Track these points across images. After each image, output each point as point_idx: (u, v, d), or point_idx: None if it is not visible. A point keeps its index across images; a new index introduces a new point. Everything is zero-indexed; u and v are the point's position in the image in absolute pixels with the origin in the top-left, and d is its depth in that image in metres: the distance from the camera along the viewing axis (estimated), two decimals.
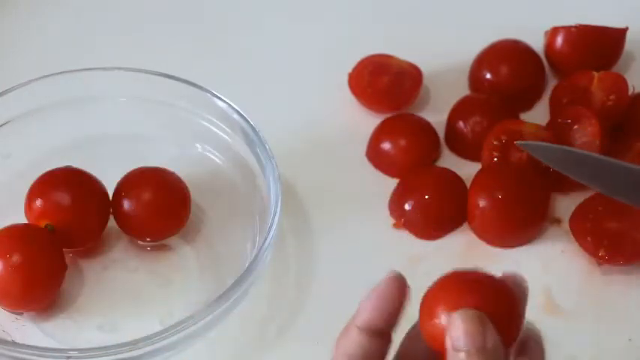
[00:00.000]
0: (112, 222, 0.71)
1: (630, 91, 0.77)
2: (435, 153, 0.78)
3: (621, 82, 0.77)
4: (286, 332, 0.68)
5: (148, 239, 0.72)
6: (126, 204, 0.70)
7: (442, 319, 0.48)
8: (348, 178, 0.77)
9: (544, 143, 0.67)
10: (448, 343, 0.48)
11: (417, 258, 0.71)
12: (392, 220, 0.74)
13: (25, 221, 0.69)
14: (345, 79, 0.81)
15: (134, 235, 0.72)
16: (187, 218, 0.72)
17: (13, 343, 0.64)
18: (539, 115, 0.80)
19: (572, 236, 0.71)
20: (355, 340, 0.50)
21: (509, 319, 0.49)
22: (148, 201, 0.70)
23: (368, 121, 0.79)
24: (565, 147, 0.67)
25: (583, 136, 0.73)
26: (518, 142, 0.68)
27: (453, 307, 0.48)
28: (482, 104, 0.79)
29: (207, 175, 0.74)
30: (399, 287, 0.51)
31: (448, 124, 0.79)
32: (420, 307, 0.50)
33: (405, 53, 0.82)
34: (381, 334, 0.50)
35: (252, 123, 0.71)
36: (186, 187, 0.72)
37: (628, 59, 0.83)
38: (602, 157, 0.64)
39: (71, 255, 0.71)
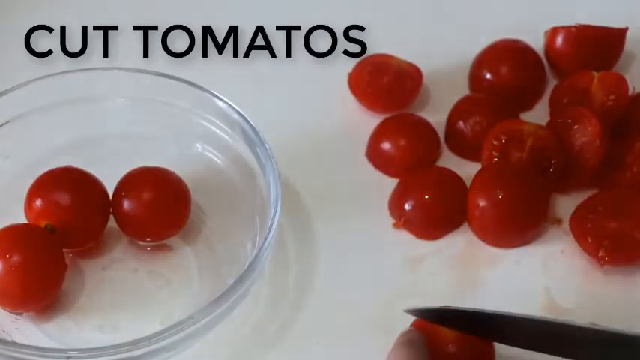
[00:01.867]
0: (112, 222, 0.71)
1: (630, 91, 0.77)
2: (435, 153, 0.78)
3: (621, 82, 0.77)
4: (286, 332, 0.68)
5: (148, 239, 0.72)
6: (126, 204, 0.70)
7: None
8: (348, 178, 0.77)
9: (434, 307, 0.62)
10: None
11: (417, 258, 0.71)
12: (392, 220, 0.74)
13: (25, 221, 0.69)
14: (345, 79, 0.81)
15: (134, 235, 0.72)
16: (187, 218, 0.72)
17: (13, 343, 0.64)
18: (539, 115, 0.80)
19: (572, 236, 0.71)
20: None
21: None
22: (148, 201, 0.70)
23: (368, 121, 0.79)
24: (457, 308, 0.62)
25: (583, 136, 0.73)
26: (405, 309, 0.62)
27: None
28: (482, 104, 0.79)
29: (207, 175, 0.74)
30: None
31: (448, 124, 0.79)
32: None
33: (405, 53, 0.82)
34: None
35: (252, 123, 0.71)
36: (186, 187, 0.72)
37: (628, 59, 0.83)
38: (505, 313, 0.61)
39: (71, 255, 0.71)
